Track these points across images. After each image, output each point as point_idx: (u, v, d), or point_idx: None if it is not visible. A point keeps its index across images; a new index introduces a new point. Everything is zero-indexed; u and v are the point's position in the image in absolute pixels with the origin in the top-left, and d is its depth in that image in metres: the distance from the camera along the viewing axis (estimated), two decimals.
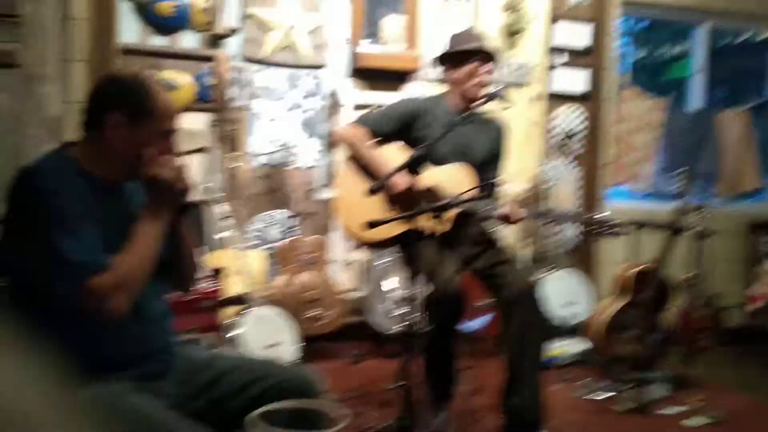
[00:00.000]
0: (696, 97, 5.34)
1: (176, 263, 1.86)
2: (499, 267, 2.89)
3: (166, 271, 1.83)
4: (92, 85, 1.77)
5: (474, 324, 4.18)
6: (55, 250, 1.55)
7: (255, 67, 4.19)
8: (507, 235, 4.53)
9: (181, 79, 3.98)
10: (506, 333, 2.82)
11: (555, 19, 4.72)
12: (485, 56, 3.02)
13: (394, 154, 2.96)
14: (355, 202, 2.94)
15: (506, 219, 2.86)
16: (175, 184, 1.71)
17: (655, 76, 6.65)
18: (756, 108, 5.29)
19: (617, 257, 4.67)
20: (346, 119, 4.30)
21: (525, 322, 2.76)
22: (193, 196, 1.82)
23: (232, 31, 4.10)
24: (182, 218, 1.84)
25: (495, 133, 3.14)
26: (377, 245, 3.23)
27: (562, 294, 4.33)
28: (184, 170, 1.74)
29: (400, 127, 3.04)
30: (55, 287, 1.58)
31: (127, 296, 1.61)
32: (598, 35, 4.77)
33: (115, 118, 1.67)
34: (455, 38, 3.13)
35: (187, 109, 4.02)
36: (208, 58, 4.06)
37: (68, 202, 1.59)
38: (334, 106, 4.33)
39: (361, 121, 3.05)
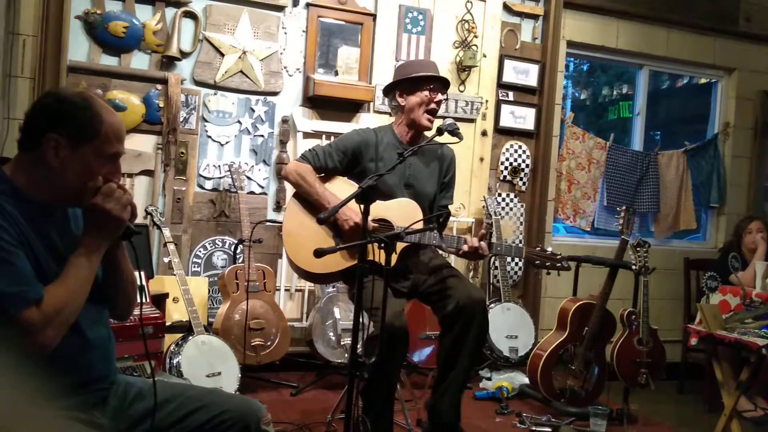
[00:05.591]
0: (636, 137, 5.53)
1: (114, 290, 1.77)
2: (445, 281, 2.91)
3: (106, 297, 1.77)
4: (33, 102, 1.65)
5: (415, 356, 4.17)
6: None
7: (206, 90, 4.16)
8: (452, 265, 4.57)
9: (129, 100, 3.92)
10: (445, 339, 2.86)
11: (504, 57, 4.85)
12: (438, 84, 3.06)
13: (341, 189, 2.96)
14: (302, 239, 2.92)
15: (471, 254, 2.87)
16: (117, 217, 1.61)
17: (596, 116, 6.87)
18: (692, 150, 5.51)
19: (560, 291, 4.77)
20: (297, 147, 4.30)
21: (467, 331, 2.79)
22: (136, 221, 1.74)
23: (184, 54, 4.07)
24: (121, 244, 1.73)
25: (443, 163, 3.17)
26: (324, 279, 3.20)
27: (505, 327, 4.37)
28: (129, 201, 1.64)
29: (348, 160, 3.04)
30: None
31: (57, 331, 1.52)
32: (545, 75, 4.91)
33: (54, 138, 1.55)
34: (406, 66, 3.17)
35: (135, 130, 3.97)
36: (158, 80, 4.01)
37: None
38: (285, 133, 4.32)
39: (306, 157, 3.03)
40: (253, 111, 4.26)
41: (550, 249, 3.00)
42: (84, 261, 1.59)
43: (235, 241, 4.15)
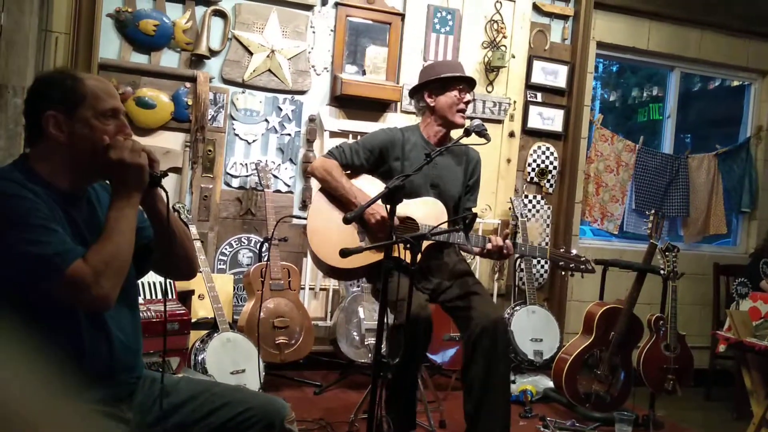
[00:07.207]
0: (667, 140, 5.45)
1: (169, 245, 1.76)
2: (468, 298, 2.89)
3: (163, 261, 1.78)
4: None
5: (438, 358, 4.16)
6: (25, 251, 1.46)
7: (234, 89, 4.18)
8: (477, 268, 4.55)
9: (158, 98, 3.95)
10: (471, 366, 2.80)
11: (533, 58, 4.81)
12: (466, 84, 3.06)
13: (367, 186, 2.96)
14: (327, 233, 2.91)
15: (495, 253, 2.85)
16: (134, 163, 1.61)
17: (625, 118, 6.79)
18: (724, 154, 5.41)
19: (586, 295, 4.72)
20: (323, 146, 4.30)
21: (491, 355, 2.74)
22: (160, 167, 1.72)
23: (213, 53, 4.10)
24: (157, 194, 1.72)
25: (469, 165, 3.15)
26: (348, 275, 3.20)
27: (530, 330, 4.34)
28: (142, 147, 1.64)
29: (374, 158, 3.03)
30: (34, 289, 1.49)
31: (112, 282, 1.53)
32: (574, 76, 4.86)
33: (51, 115, 1.59)
34: (434, 67, 3.16)
35: (163, 127, 4.00)
36: (187, 78, 4.04)
37: (33, 204, 1.51)
38: (312, 132, 4.33)
39: (333, 154, 3.03)
40: (281, 110, 4.28)
41: (574, 251, 2.97)
42: (119, 214, 1.60)
43: (261, 240, 4.17)
